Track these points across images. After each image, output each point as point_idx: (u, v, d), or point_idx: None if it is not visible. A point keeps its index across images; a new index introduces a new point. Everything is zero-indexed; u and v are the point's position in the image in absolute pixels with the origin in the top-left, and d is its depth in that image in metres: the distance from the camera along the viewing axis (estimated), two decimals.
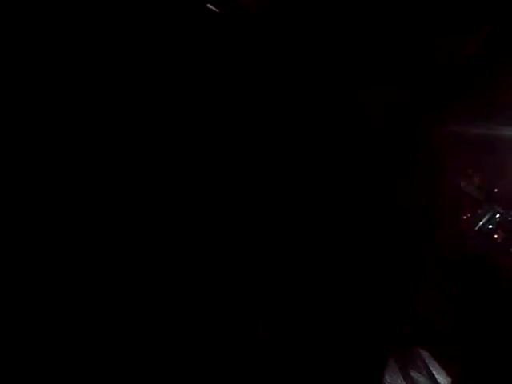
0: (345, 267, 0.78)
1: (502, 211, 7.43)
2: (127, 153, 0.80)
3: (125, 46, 0.79)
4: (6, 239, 0.77)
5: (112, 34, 0.78)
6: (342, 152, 0.78)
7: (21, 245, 0.79)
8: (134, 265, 0.82)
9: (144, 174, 0.79)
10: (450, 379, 4.25)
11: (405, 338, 4.39)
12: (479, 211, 7.15)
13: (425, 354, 4.32)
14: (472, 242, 6.89)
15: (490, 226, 7.02)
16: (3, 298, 0.78)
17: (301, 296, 0.79)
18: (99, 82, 0.78)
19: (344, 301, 0.82)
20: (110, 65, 0.79)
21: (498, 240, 7.09)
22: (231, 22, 0.82)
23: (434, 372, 4.12)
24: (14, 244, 0.78)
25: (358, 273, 0.79)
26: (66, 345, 0.81)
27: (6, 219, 0.77)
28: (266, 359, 0.97)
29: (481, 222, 6.97)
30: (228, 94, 0.81)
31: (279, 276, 0.80)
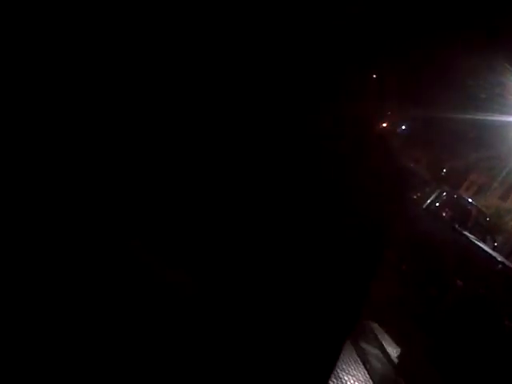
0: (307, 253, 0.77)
1: (448, 190, 7.76)
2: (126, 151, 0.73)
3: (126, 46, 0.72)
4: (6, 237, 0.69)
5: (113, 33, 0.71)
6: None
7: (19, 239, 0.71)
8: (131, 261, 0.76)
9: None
10: (399, 349, 4.41)
11: None
12: (427, 190, 7.42)
13: (375, 326, 4.44)
14: (420, 219, 7.15)
15: (438, 204, 7.31)
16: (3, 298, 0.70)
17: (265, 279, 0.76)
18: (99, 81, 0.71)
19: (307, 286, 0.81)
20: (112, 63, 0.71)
21: (445, 217, 7.41)
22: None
23: (383, 343, 4.26)
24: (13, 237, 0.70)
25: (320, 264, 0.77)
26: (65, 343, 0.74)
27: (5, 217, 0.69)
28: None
29: (429, 201, 7.25)
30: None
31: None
